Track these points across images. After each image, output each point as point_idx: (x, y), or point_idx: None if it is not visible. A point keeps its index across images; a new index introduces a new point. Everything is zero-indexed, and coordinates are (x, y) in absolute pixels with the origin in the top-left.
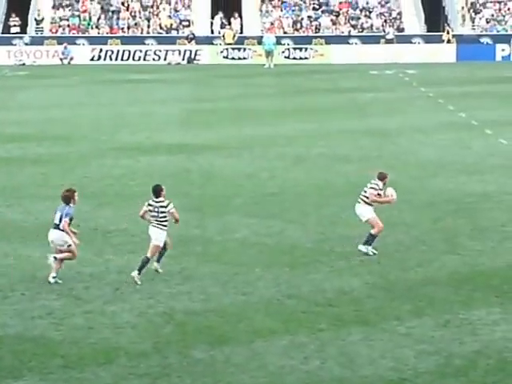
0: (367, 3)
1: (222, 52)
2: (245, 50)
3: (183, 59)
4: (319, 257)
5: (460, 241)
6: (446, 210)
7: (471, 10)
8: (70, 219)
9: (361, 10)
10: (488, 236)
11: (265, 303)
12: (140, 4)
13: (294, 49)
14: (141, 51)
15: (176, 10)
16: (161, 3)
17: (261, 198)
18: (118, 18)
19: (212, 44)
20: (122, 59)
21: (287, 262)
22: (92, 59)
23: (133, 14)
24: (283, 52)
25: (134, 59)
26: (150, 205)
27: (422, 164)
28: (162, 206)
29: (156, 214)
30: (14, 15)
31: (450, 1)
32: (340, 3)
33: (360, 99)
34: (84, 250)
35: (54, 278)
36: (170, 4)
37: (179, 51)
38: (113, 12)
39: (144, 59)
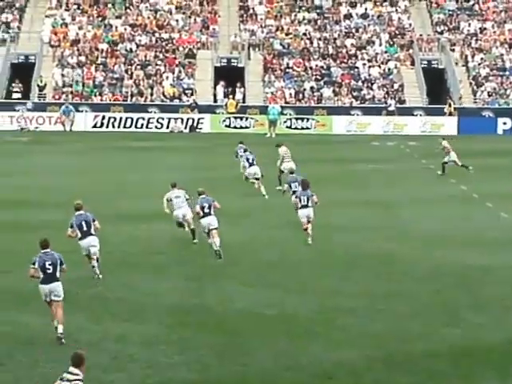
0: (369, 75)
1: (224, 121)
2: (247, 119)
3: (185, 127)
4: (318, 328)
5: (460, 314)
6: (446, 282)
7: (473, 84)
8: None
9: (363, 82)
10: (488, 309)
11: (262, 375)
12: (143, 72)
13: (296, 119)
14: (143, 119)
15: (179, 79)
16: (164, 72)
17: (259, 266)
18: (121, 86)
19: (214, 113)
20: (124, 126)
21: (286, 333)
22: (94, 126)
23: (136, 81)
24: (285, 122)
25: (136, 127)
26: None
27: (423, 236)
28: None
29: None
30: (17, 81)
31: (452, 74)
32: (342, 75)
33: (361, 170)
34: (82, 318)
35: None
36: (173, 73)
37: (182, 119)
38: (116, 79)
39: (147, 127)
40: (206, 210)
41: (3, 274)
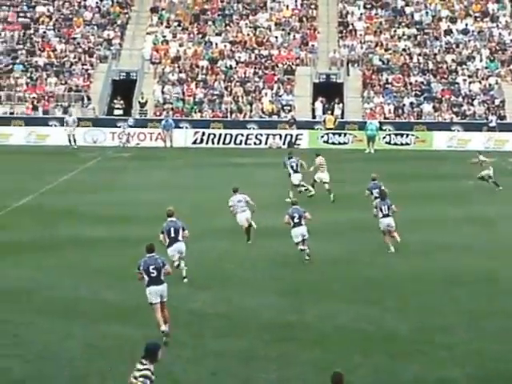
0: (470, 91)
1: (322, 137)
2: (345, 135)
3: (284, 143)
4: (419, 346)
5: None
6: None
7: None
8: None
9: (463, 98)
10: None
11: None
12: (243, 89)
13: (396, 135)
14: (242, 135)
15: (278, 95)
16: (263, 88)
17: (358, 282)
18: (220, 103)
19: (312, 129)
20: (223, 143)
21: (386, 350)
22: (194, 142)
23: (236, 98)
24: (384, 138)
25: (235, 143)
26: None
27: None
28: None
29: None
30: (118, 98)
31: None
32: (442, 90)
33: (461, 186)
34: (181, 334)
35: None
36: (272, 89)
37: (280, 135)
38: (216, 96)
39: (245, 143)
40: (296, 220)
41: (106, 288)
